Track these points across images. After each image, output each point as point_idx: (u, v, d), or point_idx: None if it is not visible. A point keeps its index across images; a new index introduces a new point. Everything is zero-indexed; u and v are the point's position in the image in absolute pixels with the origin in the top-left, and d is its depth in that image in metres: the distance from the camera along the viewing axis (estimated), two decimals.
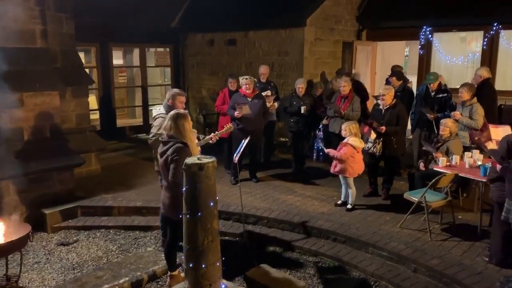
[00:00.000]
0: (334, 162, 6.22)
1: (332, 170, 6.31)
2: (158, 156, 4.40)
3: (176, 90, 5.39)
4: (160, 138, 4.44)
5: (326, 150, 6.36)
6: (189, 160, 3.56)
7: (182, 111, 4.44)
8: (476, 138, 6.11)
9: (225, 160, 7.81)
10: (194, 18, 11.66)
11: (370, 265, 5.05)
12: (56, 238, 5.99)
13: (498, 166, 4.41)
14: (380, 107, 6.48)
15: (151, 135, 5.18)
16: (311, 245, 5.56)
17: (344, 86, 7.31)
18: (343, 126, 6.31)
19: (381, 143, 6.34)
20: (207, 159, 3.58)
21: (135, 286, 4.71)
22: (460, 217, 5.94)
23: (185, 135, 4.21)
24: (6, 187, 5.99)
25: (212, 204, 3.60)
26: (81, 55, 10.54)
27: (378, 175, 6.81)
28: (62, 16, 7.13)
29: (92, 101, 10.36)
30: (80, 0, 8.00)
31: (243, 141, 5.55)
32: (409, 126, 7.44)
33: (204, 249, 3.58)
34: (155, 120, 5.26)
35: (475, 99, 6.35)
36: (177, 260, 4.73)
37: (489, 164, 5.19)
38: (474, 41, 9.79)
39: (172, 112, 4.33)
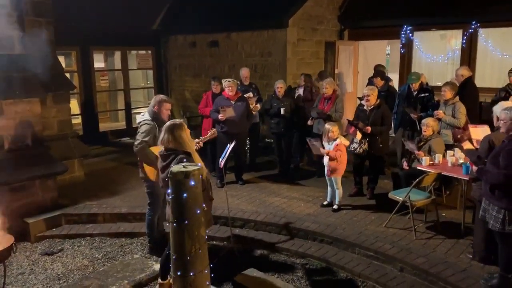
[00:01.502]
0: (329, 167, 6.18)
1: (328, 175, 6.26)
2: (159, 170, 4.23)
3: (162, 96, 5.28)
4: (158, 154, 4.26)
5: (324, 151, 6.17)
6: (174, 168, 3.54)
7: (177, 121, 4.30)
8: (459, 136, 6.21)
9: (209, 163, 7.77)
10: (175, 20, 11.60)
11: (357, 265, 5.09)
12: (40, 247, 5.88)
13: (474, 167, 4.46)
14: (365, 107, 6.53)
15: (137, 142, 5.04)
16: (298, 247, 5.58)
17: (326, 88, 7.35)
18: (330, 128, 6.19)
19: (366, 143, 6.39)
20: (192, 167, 3.56)
21: None
22: (443, 214, 6.03)
23: (185, 145, 4.10)
24: None
25: (199, 211, 3.57)
26: (61, 58, 10.38)
27: (363, 174, 6.87)
28: (41, 21, 7.02)
29: (74, 105, 10.24)
30: (59, 4, 7.87)
31: (228, 145, 5.53)
32: None
33: (191, 257, 3.55)
34: (140, 126, 5.13)
35: (457, 97, 6.46)
36: None
37: None
38: (454, 38, 9.92)
39: (168, 124, 4.18)
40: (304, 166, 8.51)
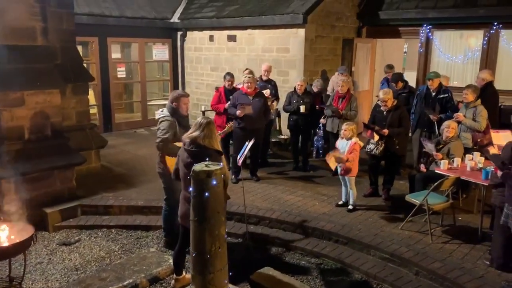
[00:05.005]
0: (343, 166, 6.17)
1: (341, 174, 6.26)
2: (182, 165, 4.21)
3: (179, 91, 5.31)
4: (184, 147, 4.22)
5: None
6: (197, 167, 3.56)
7: (209, 118, 4.30)
8: (479, 140, 6.15)
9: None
10: (194, 13, 11.58)
11: (372, 267, 5.08)
12: (58, 237, 5.96)
13: (499, 172, 4.44)
14: (382, 108, 6.49)
15: (158, 140, 5.05)
16: (313, 246, 5.59)
17: (342, 86, 7.32)
18: (344, 127, 6.28)
19: (383, 144, 6.36)
20: (214, 166, 3.57)
21: None
22: (460, 218, 5.98)
23: (217, 144, 4.15)
24: (7, 186, 5.94)
25: (219, 211, 3.60)
26: (79, 48, 10.45)
27: (379, 174, 6.84)
28: (62, 13, 7.04)
29: (90, 96, 10.30)
30: None
31: (247, 143, 5.53)
32: None
33: (211, 255, 3.58)
34: (160, 123, 5.14)
35: (479, 101, 6.38)
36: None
37: (491, 168, 5.22)
38: (474, 37, 9.76)
39: (205, 121, 4.15)
40: (321, 164, 8.48)
